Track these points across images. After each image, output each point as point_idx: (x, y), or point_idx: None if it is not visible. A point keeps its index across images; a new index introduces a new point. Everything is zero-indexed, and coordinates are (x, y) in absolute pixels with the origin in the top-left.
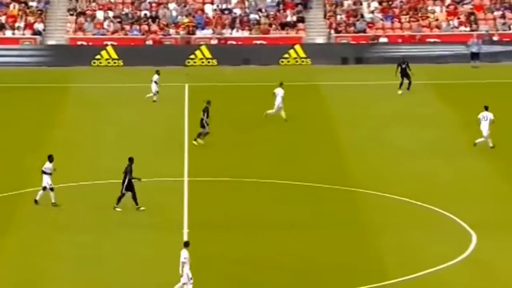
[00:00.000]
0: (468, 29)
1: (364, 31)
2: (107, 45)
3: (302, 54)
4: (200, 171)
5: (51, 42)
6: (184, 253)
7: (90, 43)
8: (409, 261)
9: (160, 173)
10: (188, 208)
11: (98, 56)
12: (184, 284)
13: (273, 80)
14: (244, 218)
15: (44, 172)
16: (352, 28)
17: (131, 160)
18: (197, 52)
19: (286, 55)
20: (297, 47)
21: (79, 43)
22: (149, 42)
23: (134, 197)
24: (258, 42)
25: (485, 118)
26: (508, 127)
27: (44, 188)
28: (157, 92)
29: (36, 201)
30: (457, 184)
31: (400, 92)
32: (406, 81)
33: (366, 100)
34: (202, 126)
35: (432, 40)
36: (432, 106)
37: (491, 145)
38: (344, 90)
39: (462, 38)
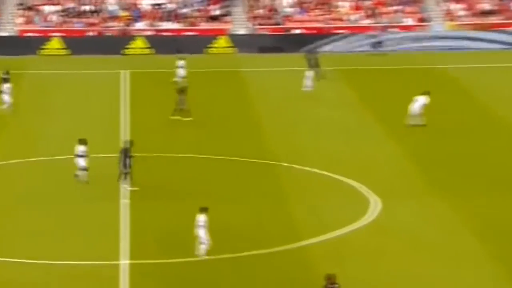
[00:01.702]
0: (371, 21)
1: (280, 23)
2: (53, 36)
3: (228, 44)
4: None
5: (3, 34)
6: (202, 218)
7: (38, 35)
8: (320, 225)
9: (97, 150)
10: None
11: (45, 46)
12: (203, 244)
13: (202, 67)
14: (176, 191)
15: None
16: (270, 21)
17: (130, 142)
18: (135, 43)
19: (214, 45)
20: (223, 37)
21: (28, 34)
22: (92, 34)
23: (125, 175)
24: (189, 33)
25: (419, 101)
26: (400, 108)
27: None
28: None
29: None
30: (364, 158)
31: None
32: (317, 69)
33: (281, 84)
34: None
35: (340, 31)
36: (340, 90)
37: (421, 123)
38: (264, 76)
39: (366, 29)
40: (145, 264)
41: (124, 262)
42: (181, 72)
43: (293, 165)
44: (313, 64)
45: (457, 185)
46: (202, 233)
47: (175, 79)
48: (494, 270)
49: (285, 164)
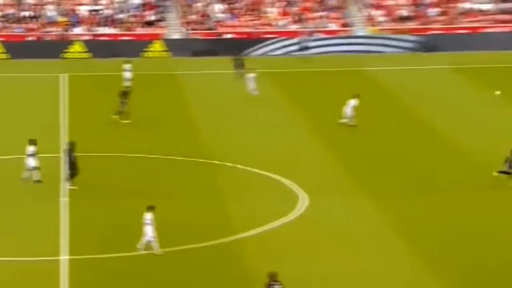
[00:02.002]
0: (298, 26)
1: (212, 28)
2: None
3: (163, 48)
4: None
5: None
6: (149, 216)
7: None
8: (252, 220)
9: (38, 150)
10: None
11: None
12: (149, 241)
13: (139, 70)
14: (114, 189)
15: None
16: (203, 26)
17: (72, 144)
18: (73, 47)
19: (149, 49)
20: (158, 42)
21: None
22: (31, 38)
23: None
24: (125, 38)
25: (350, 104)
26: (329, 108)
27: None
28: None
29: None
30: (293, 156)
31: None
32: (242, 71)
33: (214, 86)
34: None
35: (268, 36)
36: (268, 91)
37: (352, 124)
38: (198, 78)
39: (294, 34)
40: (85, 259)
41: (64, 257)
42: (128, 75)
43: (227, 163)
44: (239, 67)
45: (381, 183)
46: (149, 230)
47: (125, 83)
48: (414, 264)
49: (219, 163)
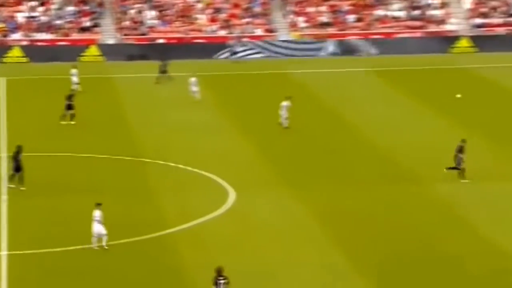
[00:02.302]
0: (226, 32)
1: (145, 34)
2: None
3: (98, 53)
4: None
5: None
6: (97, 213)
7: None
8: (183, 214)
9: None
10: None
11: None
12: (101, 236)
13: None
14: (54, 187)
15: None
16: (136, 31)
17: (19, 147)
18: (11, 52)
19: (85, 54)
20: (93, 47)
21: None
22: None
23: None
24: (62, 43)
25: (284, 105)
26: (256, 110)
27: None
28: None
29: None
30: (222, 154)
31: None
32: (165, 75)
33: (149, 89)
34: None
35: (198, 41)
36: (202, 94)
37: (286, 125)
38: (131, 81)
39: (222, 39)
40: (23, 254)
41: (3, 253)
42: (75, 79)
43: (159, 161)
44: (163, 70)
45: (304, 178)
46: (97, 226)
47: (72, 86)
48: (333, 251)
49: (153, 161)
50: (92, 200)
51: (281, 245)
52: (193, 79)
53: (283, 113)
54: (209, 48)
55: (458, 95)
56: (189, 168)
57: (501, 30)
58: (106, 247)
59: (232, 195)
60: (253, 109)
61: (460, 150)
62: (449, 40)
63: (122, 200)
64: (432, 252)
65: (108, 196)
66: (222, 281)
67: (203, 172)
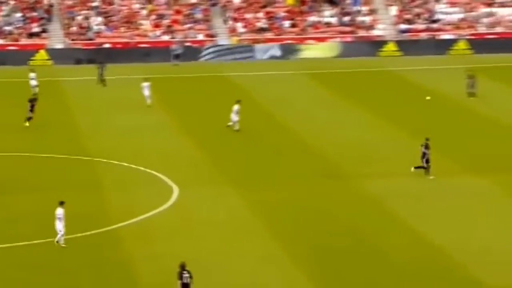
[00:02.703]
0: (169, 37)
1: (92, 39)
2: None
3: (46, 57)
4: None
5: None
6: (60, 210)
7: None
8: (130, 210)
9: None
10: None
11: None
12: (62, 235)
13: (26, 77)
14: (5, 186)
15: None
16: (83, 37)
17: None
18: None
19: (34, 58)
20: (42, 51)
21: None
22: None
23: None
24: (12, 48)
25: (235, 110)
26: (199, 111)
27: None
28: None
29: None
30: (164, 153)
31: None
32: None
33: (96, 91)
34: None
35: (143, 45)
36: (141, 96)
37: (236, 128)
38: (79, 84)
39: (165, 44)
40: None
41: None
42: (33, 83)
43: (107, 160)
44: (101, 74)
45: (243, 175)
46: (59, 224)
47: (33, 89)
48: (270, 243)
49: (100, 160)
50: (41, 198)
51: (222, 237)
52: (145, 84)
53: (234, 116)
54: (153, 53)
55: (428, 98)
56: (136, 167)
57: (424, 35)
58: (63, 245)
59: (176, 192)
60: (195, 110)
61: (426, 147)
62: (377, 44)
63: (71, 197)
64: (362, 244)
65: (57, 193)
66: (186, 275)
67: (149, 170)
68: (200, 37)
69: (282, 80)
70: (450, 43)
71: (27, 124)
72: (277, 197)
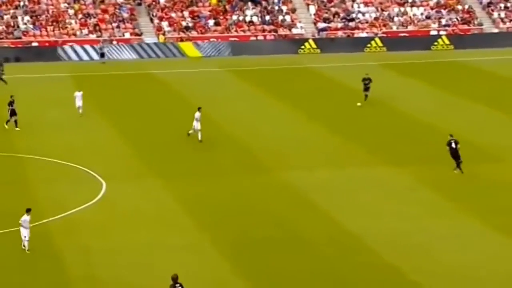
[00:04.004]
0: (95, 36)
1: (20, 37)
2: None
3: None
4: None
5: None
6: (25, 218)
7: None
8: (59, 205)
9: None
10: None
11: None
12: (27, 240)
13: None
14: None
15: None
16: (11, 35)
17: None
18: None
19: None
20: None
21: None
22: None
23: None
24: None
25: (196, 117)
26: (125, 106)
27: None
28: None
29: None
30: (93, 148)
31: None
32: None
33: (23, 89)
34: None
35: (70, 44)
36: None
37: (199, 138)
38: (7, 82)
39: (92, 42)
40: None
41: None
42: None
43: (35, 156)
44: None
45: (169, 168)
46: (24, 231)
47: None
48: (197, 235)
49: (28, 156)
50: None
51: (149, 230)
52: (78, 93)
53: (196, 124)
54: (82, 51)
55: (358, 104)
56: (64, 162)
57: (341, 34)
58: (27, 251)
59: (104, 186)
60: (124, 107)
61: (456, 142)
62: (297, 42)
63: (0, 194)
64: (284, 233)
65: None
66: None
67: (78, 166)
68: (127, 35)
69: (206, 77)
70: (365, 41)
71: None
72: (203, 190)
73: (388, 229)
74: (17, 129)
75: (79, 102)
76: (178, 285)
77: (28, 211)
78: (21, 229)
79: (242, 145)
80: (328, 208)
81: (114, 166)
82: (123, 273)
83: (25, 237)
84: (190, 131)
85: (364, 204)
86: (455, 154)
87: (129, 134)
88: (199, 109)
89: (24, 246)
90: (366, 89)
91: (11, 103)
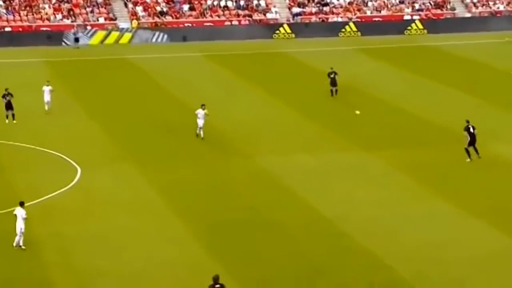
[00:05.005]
0: (69, 20)
1: None
2: None
3: None
4: None
5: None
6: (20, 211)
7: None
8: (34, 190)
9: None
10: None
11: None
12: (22, 234)
13: None
14: None
15: None
16: None
17: None
18: None
19: None
20: None
21: None
22: None
23: None
24: None
25: (200, 114)
26: (100, 92)
27: None
28: None
29: None
30: (68, 134)
31: None
32: None
33: (2, 75)
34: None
35: (45, 29)
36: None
37: (201, 136)
38: None
39: (66, 27)
40: None
41: None
42: None
43: (10, 142)
44: None
45: (146, 155)
46: (19, 224)
47: None
48: (172, 219)
49: (3, 142)
50: None
51: (124, 215)
52: (46, 88)
53: (200, 122)
54: (55, 36)
55: (357, 112)
56: (39, 148)
57: (315, 19)
58: (23, 247)
59: (79, 172)
60: (97, 92)
61: (474, 128)
62: (272, 27)
63: None
64: (258, 217)
65: None
66: None
67: (53, 152)
68: (101, 20)
69: (179, 62)
70: (340, 25)
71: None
72: (178, 175)
73: (362, 214)
74: (14, 122)
75: (47, 97)
76: (219, 285)
77: (21, 204)
78: (17, 223)
79: (217, 130)
80: (302, 193)
81: (89, 152)
82: (98, 258)
83: (22, 233)
84: (198, 131)
85: (338, 189)
86: (473, 139)
87: (103, 119)
88: (202, 106)
89: (18, 243)
90: (333, 83)
91: (5, 96)
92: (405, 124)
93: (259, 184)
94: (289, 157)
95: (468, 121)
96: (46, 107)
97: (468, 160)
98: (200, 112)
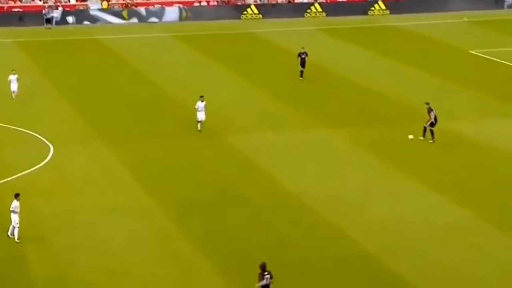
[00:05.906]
0: (41, 2)
1: None
2: None
3: None
4: None
5: None
6: (15, 203)
7: None
8: (6, 168)
9: None
10: None
11: None
12: (14, 227)
13: None
14: None
15: None
16: None
17: None
18: None
19: None
20: None
21: None
22: None
23: None
24: None
25: (200, 107)
26: (72, 72)
27: None
28: None
29: None
30: (41, 113)
31: None
32: None
33: None
34: None
35: (16, 10)
36: (19, 59)
37: (199, 128)
38: None
39: (38, 8)
40: None
41: None
42: None
43: None
44: None
45: (117, 134)
46: (15, 217)
47: None
48: (144, 197)
49: None
50: None
51: (96, 193)
52: (12, 77)
53: (200, 115)
54: (27, 17)
55: (410, 136)
56: (10, 126)
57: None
58: (17, 240)
59: (51, 150)
60: (69, 72)
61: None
62: (240, 8)
63: None
64: (227, 194)
65: None
66: (267, 276)
67: (25, 130)
68: (72, 1)
69: (149, 42)
70: (305, 6)
71: None
72: (150, 153)
73: (327, 190)
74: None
75: (13, 86)
76: (267, 273)
77: (16, 196)
78: (12, 215)
79: (187, 109)
80: (270, 170)
81: (61, 130)
82: (72, 235)
83: (16, 224)
84: (199, 126)
85: (305, 165)
86: (435, 121)
87: (75, 99)
88: (201, 98)
89: (12, 235)
90: (303, 64)
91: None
92: (369, 102)
93: (228, 161)
94: (257, 135)
95: (428, 103)
96: (13, 96)
97: (431, 141)
98: (200, 105)
